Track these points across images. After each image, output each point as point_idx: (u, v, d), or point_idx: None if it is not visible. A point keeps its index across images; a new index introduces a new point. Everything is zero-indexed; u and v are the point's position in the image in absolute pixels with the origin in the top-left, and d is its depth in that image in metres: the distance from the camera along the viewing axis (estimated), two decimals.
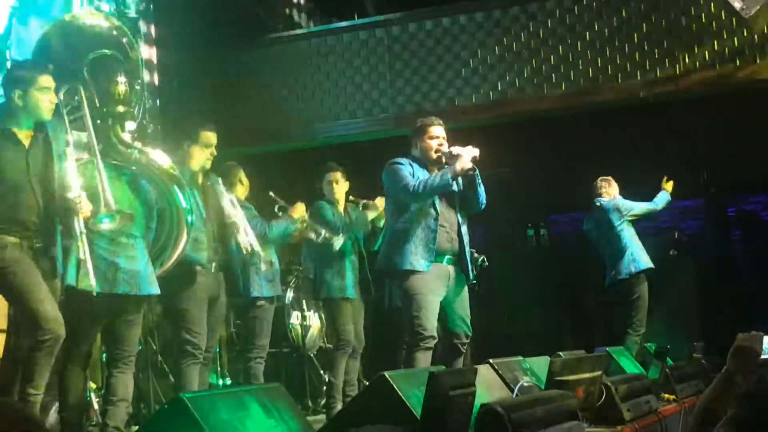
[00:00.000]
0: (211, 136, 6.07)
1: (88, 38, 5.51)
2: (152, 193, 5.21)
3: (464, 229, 6.15)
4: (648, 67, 9.24)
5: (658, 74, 9.22)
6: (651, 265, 8.50)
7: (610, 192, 8.69)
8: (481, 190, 6.07)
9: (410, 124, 9.45)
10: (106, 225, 4.70)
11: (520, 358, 5.86)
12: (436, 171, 6.02)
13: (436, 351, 6.04)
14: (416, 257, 5.89)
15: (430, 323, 5.85)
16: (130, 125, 5.29)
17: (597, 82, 9.38)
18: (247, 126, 9.97)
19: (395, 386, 4.03)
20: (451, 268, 6.05)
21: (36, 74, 4.71)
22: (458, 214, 6.15)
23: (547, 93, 9.50)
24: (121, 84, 5.22)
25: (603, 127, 10.16)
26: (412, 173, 6.01)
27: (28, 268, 4.53)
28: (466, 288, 6.19)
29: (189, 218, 5.34)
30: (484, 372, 5.07)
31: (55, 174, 4.67)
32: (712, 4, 8.83)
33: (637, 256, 8.48)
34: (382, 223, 7.22)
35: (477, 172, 5.96)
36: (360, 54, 9.97)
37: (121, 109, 5.15)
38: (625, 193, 9.78)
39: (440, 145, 6.10)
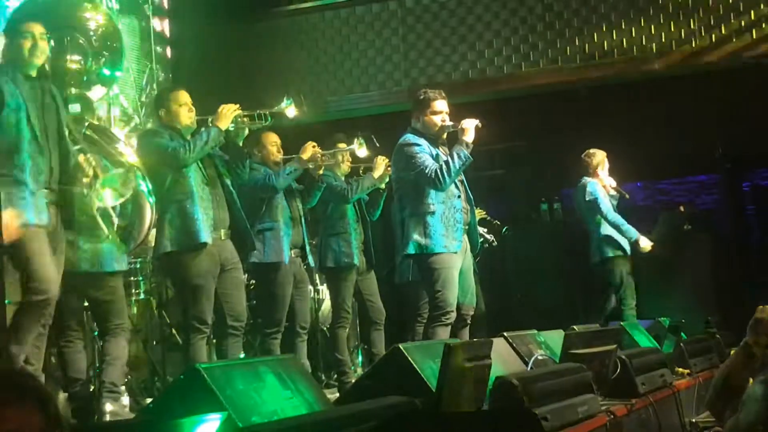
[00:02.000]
0: (181, 95, 5.98)
1: (58, 16, 5.62)
2: (112, 169, 5.23)
3: (471, 198, 6.16)
4: (663, 40, 9.16)
5: (674, 47, 9.15)
6: (618, 252, 8.32)
7: (592, 164, 8.43)
8: None
9: None
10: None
11: (535, 331, 5.85)
12: (443, 151, 6.00)
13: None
14: (449, 239, 5.87)
15: (453, 298, 5.83)
16: (76, 107, 5.34)
17: (612, 55, 9.31)
18: (260, 99, 9.91)
19: (410, 358, 4.03)
20: (465, 239, 6.05)
21: (22, 21, 4.71)
22: (465, 184, 6.14)
23: (562, 66, 9.43)
24: (73, 64, 5.25)
25: (618, 100, 10.10)
26: (431, 154, 5.96)
27: (41, 233, 4.55)
28: (471, 259, 6.18)
29: (150, 200, 5.42)
30: (499, 345, 5.07)
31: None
32: None
33: (603, 243, 8.35)
34: (383, 185, 7.24)
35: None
36: (373, 26, 9.91)
37: (72, 90, 5.18)
38: (638, 167, 9.73)
39: (443, 120, 6.04)
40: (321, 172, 6.98)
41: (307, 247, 7.02)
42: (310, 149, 6.82)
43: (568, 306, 10.75)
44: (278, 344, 6.75)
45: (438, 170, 5.82)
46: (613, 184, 8.45)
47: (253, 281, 8.19)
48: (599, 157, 8.42)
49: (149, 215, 5.69)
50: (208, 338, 6.07)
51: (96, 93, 7.41)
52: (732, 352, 3.60)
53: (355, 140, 7.18)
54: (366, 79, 9.94)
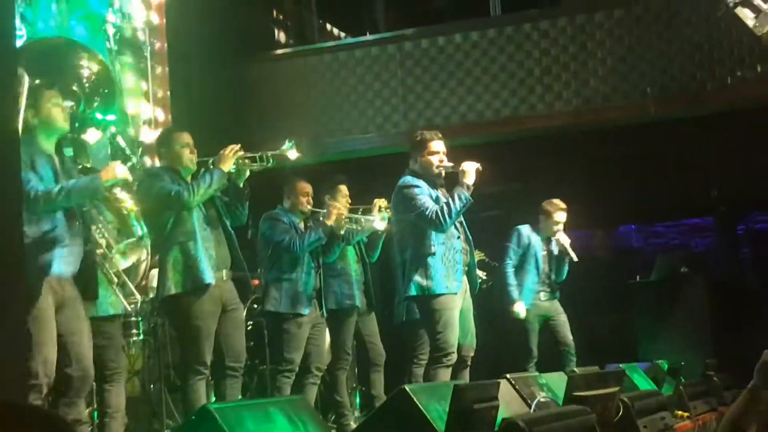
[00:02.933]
0: (184, 136, 6.02)
1: (51, 66, 5.77)
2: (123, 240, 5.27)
3: (470, 239, 6.19)
4: (659, 85, 9.24)
5: (670, 92, 9.22)
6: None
7: (541, 211, 8.19)
8: None
9: None
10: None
11: (537, 373, 5.86)
12: (443, 192, 6.03)
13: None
14: (450, 280, 5.90)
15: (455, 339, 5.85)
16: (68, 151, 5.40)
17: (608, 100, 9.39)
18: (259, 140, 9.95)
19: (416, 400, 4.02)
20: (465, 279, 6.07)
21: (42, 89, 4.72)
22: (465, 225, 6.17)
23: (558, 110, 9.51)
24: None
25: (614, 143, 10.16)
26: (431, 196, 6.00)
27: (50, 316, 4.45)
28: (471, 300, 6.20)
29: (145, 243, 5.46)
30: (502, 387, 5.07)
31: None
32: (723, 23, 8.83)
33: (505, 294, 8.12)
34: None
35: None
36: (372, 69, 9.98)
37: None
38: (633, 209, 9.74)
39: (441, 161, 6.06)
40: (343, 231, 7.01)
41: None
42: (335, 213, 6.86)
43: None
44: (290, 384, 6.75)
45: (438, 211, 5.85)
46: (565, 241, 8.10)
47: (251, 322, 8.23)
48: (550, 209, 8.16)
49: (145, 259, 5.75)
50: (207, 379, 6.06)
51: (91, 136, 7.47)
52: (742, 394, 3.61)
53: (377, 212, 7.14)
54: (364, 121, 9.99)
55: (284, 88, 10.25)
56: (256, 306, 8.65)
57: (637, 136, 10.08)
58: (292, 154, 6.42)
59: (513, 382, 5.32)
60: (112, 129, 8.13)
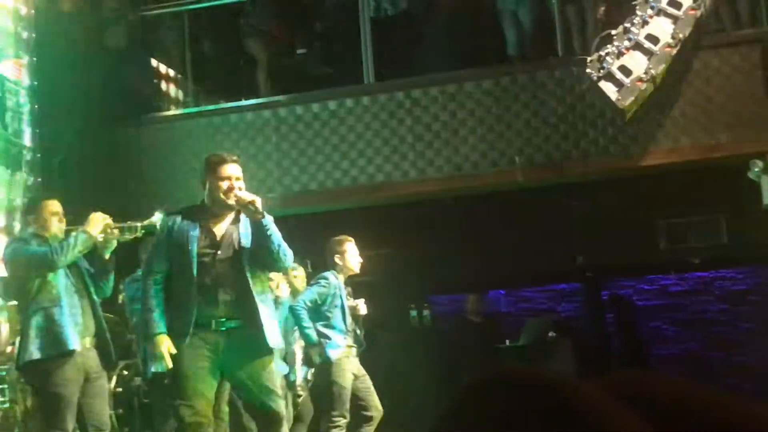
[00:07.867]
0: (52, 204, 6.01)
1: None
2: None
3: None
4: (525, 154, 9.52)
5: (536, 161, 9.51)
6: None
7: (339, 252, 7.42)
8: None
9: (297, 204, 9.60)
10: None
11: None
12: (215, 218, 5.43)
13: None
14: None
15: None
16: None
17: (477, 167, 9.61)
18: (134, 205, 9.86)
19: None
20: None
21: None
22: None
23: (429, 176, 9.69)
24: None
25: (484, 210, 10.40)
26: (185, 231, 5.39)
27: None
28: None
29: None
30: None
31: None
32: (587, 95, 9.20)
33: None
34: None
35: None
36: (247, 134, 10.01)
37: None
38: (502, 275, 9.92)
39: (230, 188, 5.31)
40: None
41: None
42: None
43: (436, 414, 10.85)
44: None
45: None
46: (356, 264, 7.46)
47: (120, 389, 8.06)
48: (341, 246, 7.45)
49: (3, 330, 5.78)
50: None
51: None
52: None
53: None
54: None
55: (159, 153, 10.18)
56: (126, 372, 8.51)
57: (506, 203, 10.35)
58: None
59: None
60: None
